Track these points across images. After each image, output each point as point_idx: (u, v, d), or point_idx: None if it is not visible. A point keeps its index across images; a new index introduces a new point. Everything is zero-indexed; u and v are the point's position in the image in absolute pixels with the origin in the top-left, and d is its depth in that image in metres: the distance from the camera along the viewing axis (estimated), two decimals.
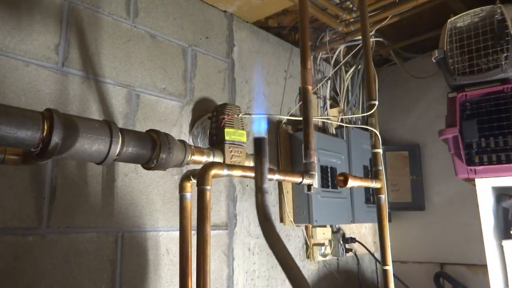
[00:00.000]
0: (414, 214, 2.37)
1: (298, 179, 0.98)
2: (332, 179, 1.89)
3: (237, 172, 0.90)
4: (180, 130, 1.45)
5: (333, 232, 2.01)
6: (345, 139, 2.09)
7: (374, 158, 1.25)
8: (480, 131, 1.65)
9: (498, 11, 1.62)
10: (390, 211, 2.30)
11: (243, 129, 1.28)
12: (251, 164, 1.21)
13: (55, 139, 0.72)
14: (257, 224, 1.66)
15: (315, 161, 1.02)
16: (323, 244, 1.93)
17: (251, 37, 1.84)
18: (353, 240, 2.04)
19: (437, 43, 1.81)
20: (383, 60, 2.50)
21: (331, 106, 2.19)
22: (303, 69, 1.05)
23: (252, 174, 0.91)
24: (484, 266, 1.62)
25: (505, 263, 1.61)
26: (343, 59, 2.19)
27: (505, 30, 1.59)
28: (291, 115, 1.87)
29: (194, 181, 0.99)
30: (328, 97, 2.17)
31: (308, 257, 1.92)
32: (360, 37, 1.80)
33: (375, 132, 1.24)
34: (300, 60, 1.08)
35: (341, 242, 2.01)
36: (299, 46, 1.08)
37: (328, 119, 2.11)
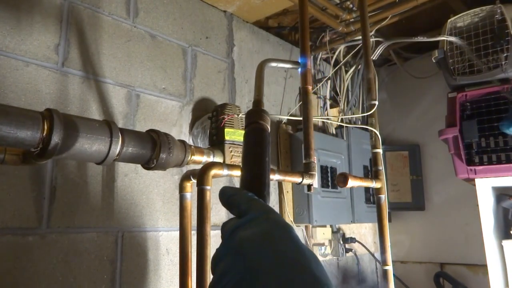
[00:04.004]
0: (414, 214, 2.37)
1: (298, 179, 0.98)
2: (332, 179, 1.89)
3: (237, 172, 0.89)
4: (180, 130, 1.45)
5: (333, 232, 2.01)
6: (345, 139, 2.09)
7: (374, 158, 1.25)
8: (480, 131, 1.66)
9: (498, 11, 1.62)
10: (390, 211, 2.30)
11: (243, 129, 1.28)
12: None
13: (55, 139, 0.72)
14: None
15: (315, 161, 1.02)
16: (323, 244, 1.93)
17: (251, 37, 1.84)
18: (353, 240, 2.04)
19: (437, 43, 1.81)
20: (383, 60, 2.50)
21: (331, 106, 2.19)
22: (303, 69, 1.05)
23: None
24: (484, 266, 1.62)
25: (505, 263, 1.61)
26: (343, 59, 2.19)
27: (505, 30, 1.60)
28: (291, 115, 1.87)
29: (194, 181, 0.98)
30: (328, 97, 2.17)
31: None
32: (360, 37, 1.79)
33: (375, 132, 1.24)
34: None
35: (341, 242, 2.00)
36: (299, 46, 1.08)
37: (328, 119, 2.11)
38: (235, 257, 0.34)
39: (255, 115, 0.52)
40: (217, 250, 0.37)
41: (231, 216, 0.43)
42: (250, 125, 0.52)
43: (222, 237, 0.39)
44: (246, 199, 0.41)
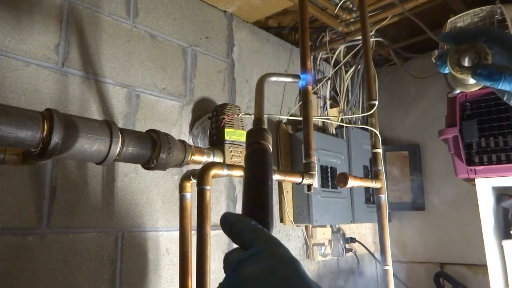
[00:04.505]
0: (414, 214, 2.37)
1: (298, 179, 0.98)
2: (332, 179, 1.89)
3: (237, 172, 0.90)
4: (180, 130, 1.45)
5: (333, 232, 2.01)
6: (345, 139, 2.09)
7: (374, 158, 1.25)
8: (480, 131, 1.65)
9: (498, 11, 1.61)
10: (390, 211, 2.30)
11: (243, 129, 1.28)
12: None
13: (55, 139, 0.72)
14: None
15: (315, 161, 1.02)
16: (323, 244, 1.93)
17: (251, 37, 1.84)
18: (353, 240, 2.04)
19: (437, 43, 1.81)
20: (383, 60, 2.50)
21: (331, 106, 2.19)
22: (303, 69, 1.05)
23: None
24: (484, 266, 1.62)
25: (505, 263, 1.61)
26: (343, 59, 2.19)
27: (505, 30, 1.59)
28: (291, 115, 1.87)
29: (194, 181, 0.99)
30: (328, 97, 2.17)
31: (308, 257, 1.92)
32: (360, 37, 1.80)
33: (375, 132, 1.24)
34: (300, 60, 1.08)
35: (341, 242, 2.00)
36: (299, 46, 1.08)
37: (328, 119, 2.11)
38: None
39: (256, 135, 0.51)
40: (221, 284, 0.35)
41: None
42: (251, 146, 0.50)
43: (225, 269, 0.37)
44: (250, 228, 0.39)
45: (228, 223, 0.41)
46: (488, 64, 0.52)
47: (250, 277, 0.33)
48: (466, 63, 0.54)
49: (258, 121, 0.57)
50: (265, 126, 0.56)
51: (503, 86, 0.50)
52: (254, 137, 0.51)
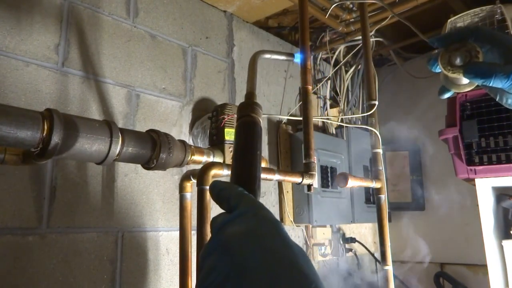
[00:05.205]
0: (414, 214, 2.36)
1: (298, 179, 0.98)
2: (332, 179, 1.89)
3: None
4: (180, 130, 1.45)
5: (333, 232, 2.01)
6: (345, 139, 2.09)
7: (374, 158, 1.25)
8: (480, 131, 1.65)
9: (498, 11, 1.61)
10: (390, 211, 2.30)
11: None
12: None
13: (55, 139, 0.72)
14: None
15: (315, 161, 1.02)
16: (323, 244, 1.93)
17: (251, 37, 1.84)
18: (353, 240, 2.04)
19: None
20: (383, 60, 2.50)
21: (331, 106, 2.19)
22: (303, 69, 1.05)
23: None
24: (484, 266, 1.62)
25: (505, 263, 1.61)
26: (343, 59, 2.19)
27: (505, 30, 1.59)
28: (291, 115, 1.87)
29: (194, 181, 0.99)
30: (328, 97, 2.17)
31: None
32: (360, 37, 1.79)
33: (375, 132, 1.24)
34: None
35: (341, 242, 2.01)
36: (299, 46, 1.08)
37: (328, 119, 2.11)
38: (222, 254, 0.34)
39: (247, 108, 0.52)
40: (205, 245, 0.37)
41: None
42: (241, 118, 0.51)
43: (211, 231, 0.39)
44: (236, 194, 0.41)
45: (216, 189, 0.42)
46: (479, 62, 0.52)
47: (233, 235, 0.35)
48: (457, 62, 0.53)
49: (249, 95, 0.58)
50: (256, 100, 0.56)
51: (495, 83, 0.50)
52: (245, 110, 0.52)
